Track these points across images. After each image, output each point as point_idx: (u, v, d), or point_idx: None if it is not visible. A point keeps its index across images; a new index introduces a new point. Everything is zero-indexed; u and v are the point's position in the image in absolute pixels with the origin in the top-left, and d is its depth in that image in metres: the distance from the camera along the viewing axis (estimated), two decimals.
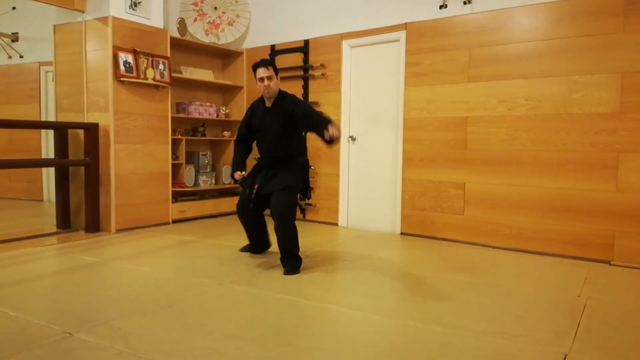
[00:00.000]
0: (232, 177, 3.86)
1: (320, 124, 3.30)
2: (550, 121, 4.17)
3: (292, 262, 3.60)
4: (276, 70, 3.65)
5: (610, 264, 3.91)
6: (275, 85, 3.62)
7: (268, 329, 2.46)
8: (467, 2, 4.55)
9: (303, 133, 3.86)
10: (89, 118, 4.89)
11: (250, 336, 2.36)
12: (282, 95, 3.70)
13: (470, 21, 4.55)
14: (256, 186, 3.68)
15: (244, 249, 4.15)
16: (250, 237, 4.01)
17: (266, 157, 3.80)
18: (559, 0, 4.11)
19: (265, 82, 3.55)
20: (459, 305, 2.86)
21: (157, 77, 5.14)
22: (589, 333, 2.46)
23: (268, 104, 3.71)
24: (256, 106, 3.83)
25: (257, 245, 4.05)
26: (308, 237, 4.71)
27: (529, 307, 2.86)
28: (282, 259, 3.62)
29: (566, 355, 2.20)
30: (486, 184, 4.51)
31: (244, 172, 3.78)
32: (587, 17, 4.00)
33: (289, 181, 3.59)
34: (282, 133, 3.65)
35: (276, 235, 3.57)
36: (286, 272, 3.51)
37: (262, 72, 3.56)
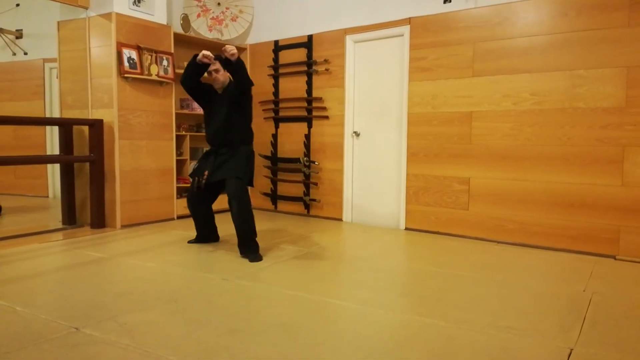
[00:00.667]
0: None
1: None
2: (555, 116, 4.15)
3: (252, 247, 3.78)
4: (222, 64, 3.85)
5: (615, 259, 3.90)
6: (223, 76, 3.89)
7: (272, 323, 2.46)
8: None
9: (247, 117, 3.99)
10: (93, 114, 4.90)
11: (255, 331, 2.37)
12: (230, 84, 3.95)
13: (474, 15, 4.53)
14: (206, 173, 3.85)
15: (192, 241, 4.28)
16: (199, 227, 4.22)
17: (214, 142, 3.94)
18: None
19: (213, 74, 3.86)
20: (463, 300, 2.86)
21: (161, 73, 5.14)
22: (595, 327, 2.46)
23: (220, 91, 3.96)
24: (210, 87, 4.01)
25: (205, 235, 4.25)
26: (313, 233, 4.71)
27: (534, 301, 2.85)
28: (241, 245, 3.79)
29: (572, 349, 2.20)
30: (491, 179, 4.49)
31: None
32: (592, 11, 3.97)
33: (240, 168, 3.81)
34: (229, 117, 3.85)
35: (235, 221, 3.74)
36: (252, 259, 3.66)
37: (210, 66, 3.82)
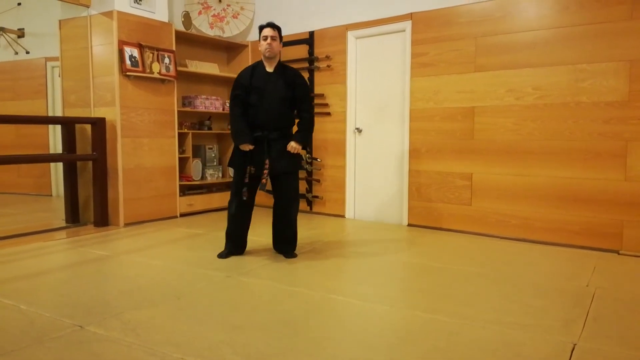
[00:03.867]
0: (239, 149, 3.52)
1: (301, 130, 3.61)
2: (558, 110, 4.14)
3: (294, 244, 3.74)
4: (281, 36, 3.65)
5: (619, 254, 3.89)
6: (277, 47, 3.58)
7: (275, 319, 2.47)
8: None
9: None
10: (95, 113, 4.91)
11: (258, 327, 2.37)
12: (283, 64, 3.68)
13: (476, 10, 4.51)
14: (267, 162, 3.47)
15: (223, 256, 3.69)
16: (237, 235, 3.71)
17: (265, 127, 3.53)
18: None
19: (269, 40, 3.52)
20: (466, 296, 2.86)
21: (163, 71, 5.14)
22: (598, 322, 2.46)
23: (269, 68, 3.59)
24: (253, 69, 3.61)
25: (240, 244, 3.76)
26: (315, 230, 4.71)
27: (537, 296, 2.85)
28: (285, 243, 3.71)
29: (575, 344, 2.19)
30: (493, 174, 4.49)
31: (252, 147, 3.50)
32: (595, 4, 3.95)
33: (298, 162, 3.64)
34: (286, 100, 3.57)
35: (281, 220, 3.66)
36: (292, 256, 3.67)
37: (268, 31, 3.54)
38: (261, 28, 3.59)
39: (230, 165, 3.67)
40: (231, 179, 5.81)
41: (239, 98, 3.56)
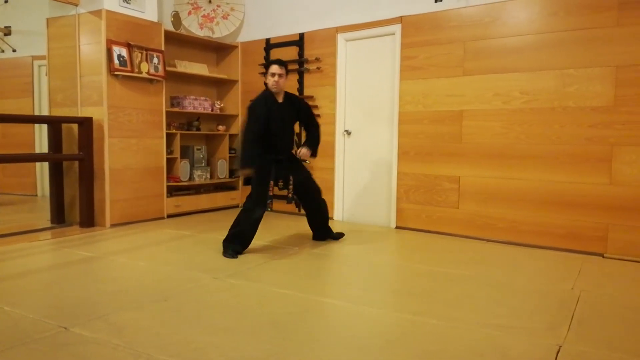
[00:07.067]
0: (245, 167, 3.88)
1: (311, 140, 4.16)
2: (545, 114, 4.18)
3: (330, 228, 4.44)
4: (287, 71, 4.05)
5: (603, 257, 3.94)
6: (284, 83, 3.99)
7: (263, 322, 2.46)
8: None
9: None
10: (82, 112, 4.87)
11: (246, 329, 2.36)
12: (287, 93, 4.11)
13: (465, 14, 4.54)
14: (291, 178, 4.04)
15: (233, 256, 3.79)
16: (250, 236, 3.89)
17: (281, 150, 4.03)
18: None
19: (276, 77, 3.91)
20: (453, 298, 2.88)
21: (152, 71, 5.11)
22: (583, 325, 2.48)
23: (279, 99, 4.02)
24: (266, 101, 3.96)
25: (248, 244, 3.95)
26: (304, 231, 4.71)
27: (523, 299, 2.87)
28: (325, 230, 4.38)
29: (560, 346, 2.21)
30: (481, 177, 4.52)
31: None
32: (582, 10, 4.00)
33: (308, 170, 4.25)
34: (292, 128, 4.17)
35: (316, 213, 4.28)
36: (338, 237, 4.44)
37: (275, 69, 3.91)
38: (269, 64, 3.97)
39: (251, 180, 3.97)
40: (219, 180, 6.13)
41: (257, 125, 3.86)
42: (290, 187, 4.03)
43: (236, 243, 3.85)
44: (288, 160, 4.07)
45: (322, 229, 4.38)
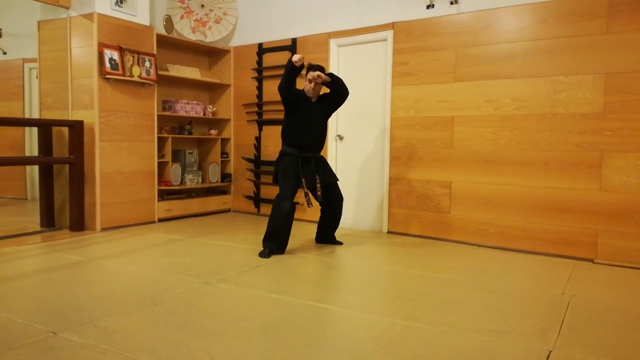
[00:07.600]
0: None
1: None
2: (535, 121, 4.21)
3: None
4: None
5: (593, 262, 3.96)
6: (319, 90, 4.14)
7: (254, 327, 2.45)
8: (453, 2, 4.57)
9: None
10: (73, 115, 4.84)
11: (237, 334, 2.35)
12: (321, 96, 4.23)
13: (456, 21, 4.58)
14: (318, 178, 4.08)
15: (266, 255, 3.90)
16: (285, 233, 3.99)
17: (307, 148, 4.09)
18: (544, 2, 4.15)
19: (313, 84, 4.04)
20: (444, 303, 2.88)
21: (143, 74, 5.09)
22: (573, 330, 2.49)
23: (313, 99, 4.14)
24: (301, 92, 4.11)
25: (285, 242, 4.03)
26: (296, 236, 4.70)
27: (514, 304, 2.88)
28: (331, 237, 4.47)
29: (550, 351, 2.22)
30: (472, 183, 4.54)
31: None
32: (572, 18, 4.05)
33: (334, 173, 4.31)
34: (325, 126, 4.21)
35: (333, 219, 4.36)
36: (340, 244, 4.47)
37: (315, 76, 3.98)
38: (310, 69, 4.04)
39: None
40: (211, 184, 6.08)
41: (292, 95, 4.00)
42: (318, 185, 4.07)
43: (272, 241, 3.95)
44: (315, 160, 4.13)
45: (329, 235, 4.47)
